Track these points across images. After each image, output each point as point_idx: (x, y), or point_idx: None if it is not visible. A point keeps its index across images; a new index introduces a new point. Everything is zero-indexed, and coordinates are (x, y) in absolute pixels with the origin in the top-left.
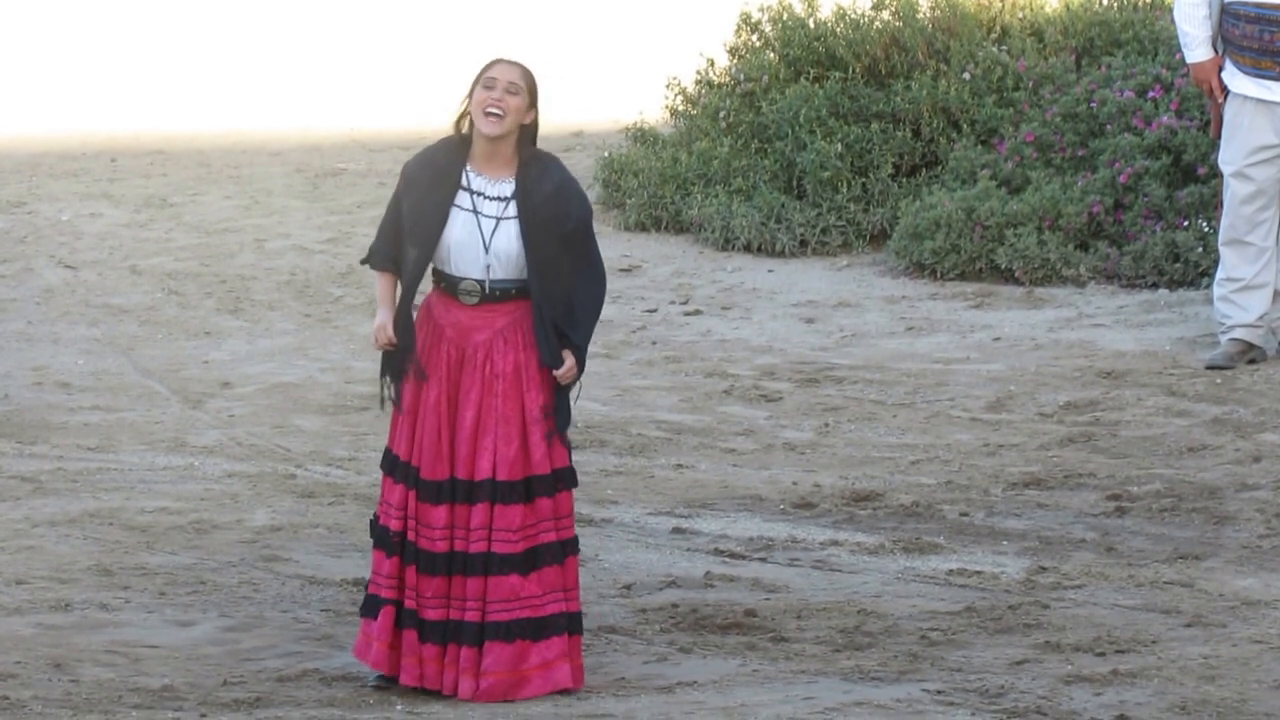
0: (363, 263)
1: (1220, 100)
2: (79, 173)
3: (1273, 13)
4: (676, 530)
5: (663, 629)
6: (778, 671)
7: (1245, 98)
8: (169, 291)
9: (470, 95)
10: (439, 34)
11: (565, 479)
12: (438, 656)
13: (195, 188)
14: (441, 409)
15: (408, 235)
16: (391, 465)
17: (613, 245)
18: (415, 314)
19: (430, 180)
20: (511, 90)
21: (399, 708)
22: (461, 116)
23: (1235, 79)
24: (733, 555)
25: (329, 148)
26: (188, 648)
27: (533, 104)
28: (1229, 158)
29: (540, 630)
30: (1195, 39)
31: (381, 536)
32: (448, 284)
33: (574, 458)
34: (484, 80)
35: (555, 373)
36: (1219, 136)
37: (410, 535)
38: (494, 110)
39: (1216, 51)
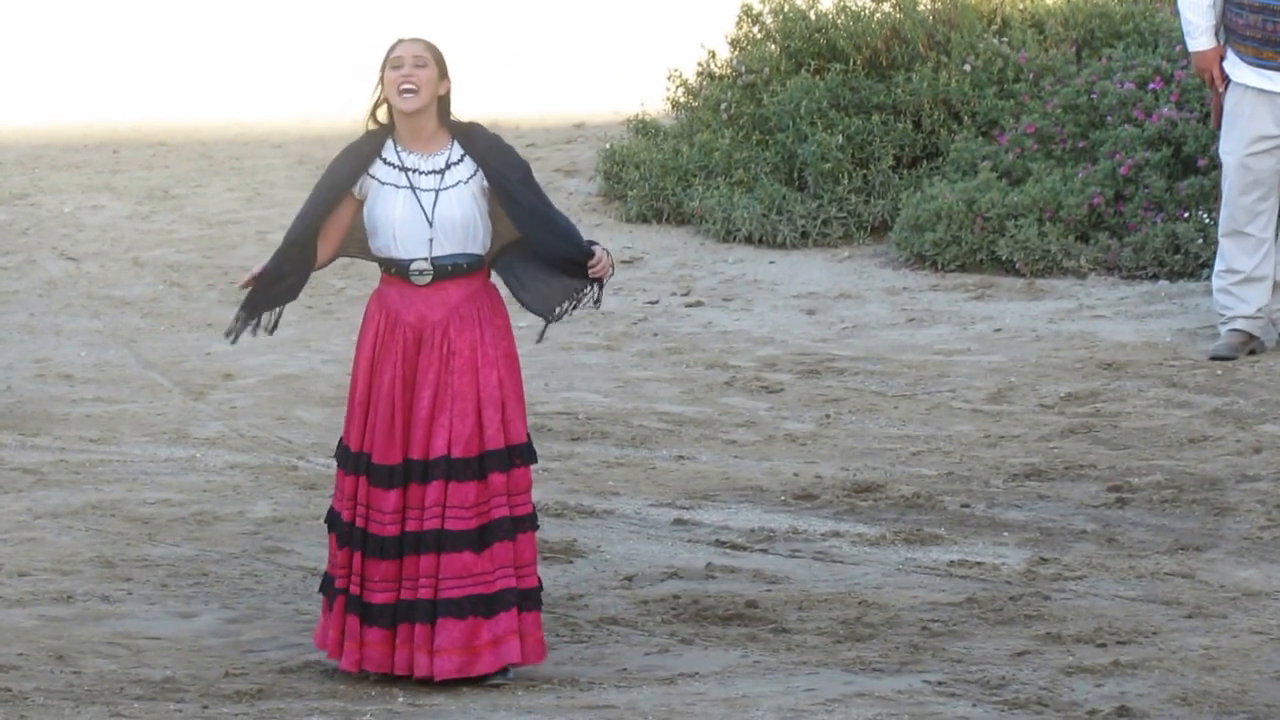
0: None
1: (1221, 90)
2: (81, 165)
3: (1275, 2)
4: (678, 522)
5: (664, 620)
6: (779, 663)
7: (1246, 87)
8: (171, 283)
9: (381, 81)
10: (440, 26)
11: (521, 454)
12: (385, 639)
13: (197, 180)
14: (395, 393)
15: (311, 200)
16: (344, 458)
17: (614, 237)
18: (368, 304)
19: (352, 165)
20: (419, 64)
21: (400, 699)
22: (377, 106)
23: (1237, 69)
24: (734, 546)
25: (331, 139)
26: (190, 639)
27: (443, 74)
28: (1229, 148)
29: (491, 606)
30: (1198, 27)
31: (338, 528)
32: (398, 269)
33: (575, 449)
34: (390, 61)
35: (593, 261)
36: (1219, 127)
37: (360, 522)
38: (408, 87)
39: (1219, 41)
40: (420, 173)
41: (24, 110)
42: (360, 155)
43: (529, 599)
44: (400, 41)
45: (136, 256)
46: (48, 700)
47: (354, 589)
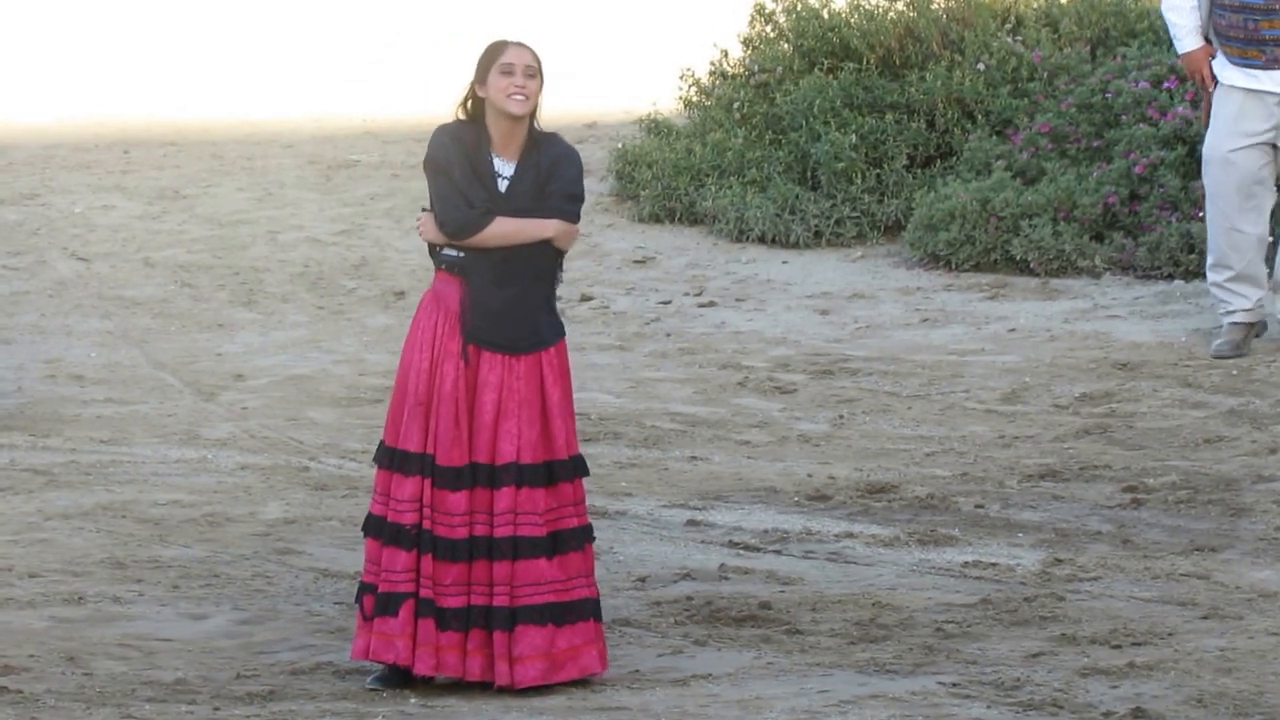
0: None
1: (1211, 90)
2: (91, 164)
3: (1256, 1)
4: (691, 523)
5: (677, 622)
6: (792, 664)
7: (1234, 87)
8: (182, 284)
9: (483, 81)
10: (450, 24)
11: (580, 467)
12: (458, 644)
13: (208, 180)
14: (459, 394)
15: (445, 192)
16: (399, 460)
17: (626, 237)
18: (421, 304)
19: (464, 159)
20: (530, 74)
21: (413, 700)
22: (469, 99)
23: (1225, 69)
24: (747, 548)
25: (342, 139)
26: (201, 641)
27: (542, 83)
28: (1213, 144)
29: (566, 614)
30: (1183, 29)
31: (394, 534)
32: (460, 268)
33: (588, 450)
34: (500, 67)
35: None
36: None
37: (426, 524)
38: (518, 95)
39: (1208, 40)
40: (503, 178)
41: (34, 110)
42: (471, 151)
43: (598, 608)
44: (509, 45)
45: (147, 257)
46: (59, 702)
47: (425, 593)
